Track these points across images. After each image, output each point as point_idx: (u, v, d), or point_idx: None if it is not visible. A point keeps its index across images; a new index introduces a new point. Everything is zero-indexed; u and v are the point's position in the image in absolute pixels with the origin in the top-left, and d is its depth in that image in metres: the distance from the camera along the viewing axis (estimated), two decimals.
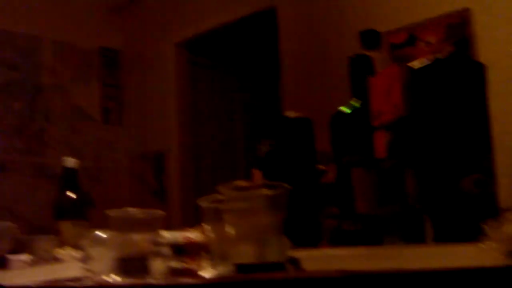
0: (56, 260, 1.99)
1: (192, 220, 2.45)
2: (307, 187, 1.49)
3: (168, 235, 1.44)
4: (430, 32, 3.79)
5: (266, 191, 1.22)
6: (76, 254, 2.01)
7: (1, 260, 1.97)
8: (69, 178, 2.47)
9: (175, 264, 1.41)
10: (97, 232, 1.46)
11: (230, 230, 1.24)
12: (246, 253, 1.23)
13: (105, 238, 1.45)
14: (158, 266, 1.45)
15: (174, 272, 1.41)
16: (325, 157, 1.55)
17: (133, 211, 1.50)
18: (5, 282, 1.69)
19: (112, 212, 1.48)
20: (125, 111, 5.42)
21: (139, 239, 1.46)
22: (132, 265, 1.45)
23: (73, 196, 2.45)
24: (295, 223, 1.26)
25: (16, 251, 2.11)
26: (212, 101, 5.37)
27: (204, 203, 1.33)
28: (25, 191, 4.85)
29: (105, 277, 1.44)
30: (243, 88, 5.59)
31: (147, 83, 5.31)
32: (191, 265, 1.39)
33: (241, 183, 1.29)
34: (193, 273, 1.38)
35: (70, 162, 2.47)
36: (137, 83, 5.39)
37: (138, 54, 5.44)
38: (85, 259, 1.47)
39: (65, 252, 2.02)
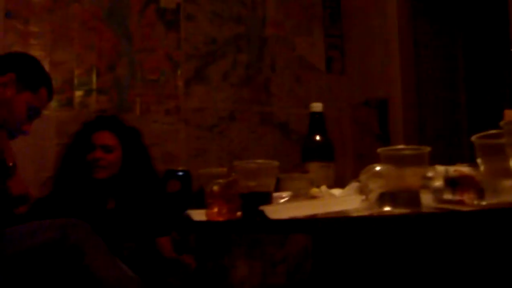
0: (313, 198, 2.11)
1: None
2: None
3: (440, 169, 1.53)
4: None
5: None
6: (332, 192, 2.15)
7: (268, 196, 2.11)
8: (316, 122, 2.63)
9: (446, 196, 1.50)
10: (375, 166, 1.59)
11: (510, 164, 1.31)
12: None
13: (380, 171, 1.57)
14: (428, 198, 1.56)
15: (445, 203, 1.50)
16: None
17: (402, 147, 1.62)
18: (280, 215, 1.84)
19: (383, 150, 1.61)
20: (348, 60, 5.52)
21: (409, 173, 1.57)
22: (402, 197, 1.57)
23: (320, 138, 2.62)
24: None
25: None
26: (434, 47, 5.33)
27: (477, 139, 1.41)
28: (252, 138, 5.10)
29: (379, 209, 1.58)
30: (466, 34, 5.49)
31: (368, 31, 5.35)
32: (463, 198, 1.48)
33: None
34: (464, 205, 1.47)
35: (317, 107, 2.63)
36: (359, 32, 5.44)
37: (360, 2, 5.48)
38: (363, 192, 1.61)
39: (322, 190, 2.15)
